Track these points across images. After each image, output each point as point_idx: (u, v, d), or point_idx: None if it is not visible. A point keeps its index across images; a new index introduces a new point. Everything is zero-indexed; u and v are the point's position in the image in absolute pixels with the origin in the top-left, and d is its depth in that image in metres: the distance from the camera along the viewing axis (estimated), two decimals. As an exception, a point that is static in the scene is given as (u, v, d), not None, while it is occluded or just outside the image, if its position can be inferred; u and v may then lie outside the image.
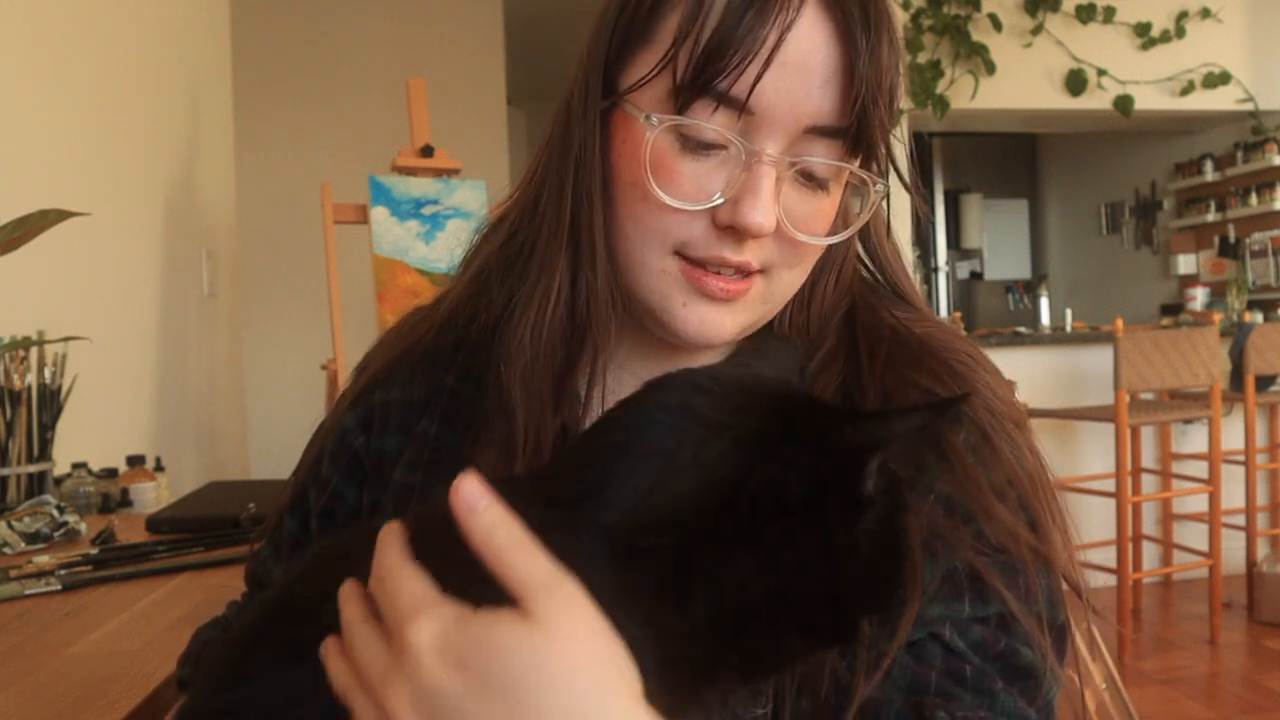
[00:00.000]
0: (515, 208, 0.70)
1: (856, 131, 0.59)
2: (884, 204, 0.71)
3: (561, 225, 0.64)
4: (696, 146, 0.59)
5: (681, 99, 0.58)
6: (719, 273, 0.61)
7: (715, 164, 0.59)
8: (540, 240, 0.66)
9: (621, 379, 0.69)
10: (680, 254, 0.62)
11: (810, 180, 0.61)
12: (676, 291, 0.62)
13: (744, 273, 0.62)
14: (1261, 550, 3.85)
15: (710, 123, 0.58)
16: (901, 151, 0.67)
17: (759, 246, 0.61)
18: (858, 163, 0.63)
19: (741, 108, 0.58)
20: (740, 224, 0.58)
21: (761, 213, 0.58)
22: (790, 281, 0.64)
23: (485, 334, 0.67)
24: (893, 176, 0.68)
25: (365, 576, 0.44)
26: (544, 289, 0.64)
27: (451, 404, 0.69)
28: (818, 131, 0.59)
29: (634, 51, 0.61)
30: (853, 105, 0.58)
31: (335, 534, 0.70)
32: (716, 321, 0.62)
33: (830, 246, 0.68)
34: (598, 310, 0.64)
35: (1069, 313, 4.84)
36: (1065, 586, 0.62)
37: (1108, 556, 3.46)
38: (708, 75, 0.57)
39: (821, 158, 0.60)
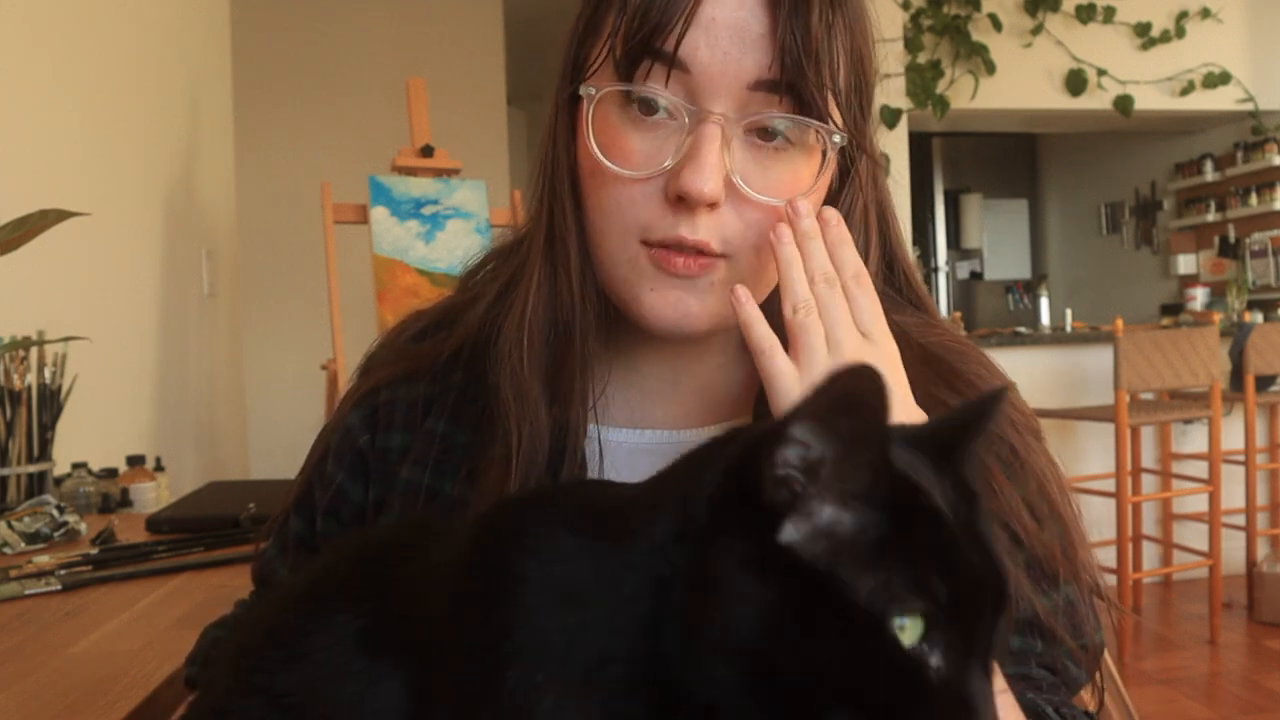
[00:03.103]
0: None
1: (792, 87, 0.59)
2: (898, 207, 0.71)
3: (540, 226, 0.66)
4: (643, 116, 0.60)
5: (621, 71, 0.60)
6: (681, 251, 0.61)
7: (665, 135, 0.60)
8: (527, 244, 0.67)
9: (623, 374, 0.69)
10: (645, 241, 0.62)
11: (765, 141, 0.61)
12: (644, 278, 0.62)
13: (706, 254, 0.61)
14: (1261, 550, 3.84)
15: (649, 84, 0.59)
16: (868, 131, 0.66)
17: (715, 222, 0.60)
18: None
19: (672, 62, 0.58)
20: (683, 190, 0.58)
21: (703, 178, 0.58)
22: (755, 265, 0.63)
23: (487, 341, 0.68)
24: (893, 176, 0.69)
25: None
26: (524, 290, 0.66)
27: (459, 402, 0.69)
28: (761, 87, 0.59)
29: (587, 47, 0.64)
30: (781, 57, 0.58)
31: (346, 530, 0.71)
32: (684, 304, 0.62)
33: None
34: (575, 307, 0.65)
35: (1069, 313, 4.84)
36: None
37: (1108, 556, 3.45)
38: (639, 38, 0.59)
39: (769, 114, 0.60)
